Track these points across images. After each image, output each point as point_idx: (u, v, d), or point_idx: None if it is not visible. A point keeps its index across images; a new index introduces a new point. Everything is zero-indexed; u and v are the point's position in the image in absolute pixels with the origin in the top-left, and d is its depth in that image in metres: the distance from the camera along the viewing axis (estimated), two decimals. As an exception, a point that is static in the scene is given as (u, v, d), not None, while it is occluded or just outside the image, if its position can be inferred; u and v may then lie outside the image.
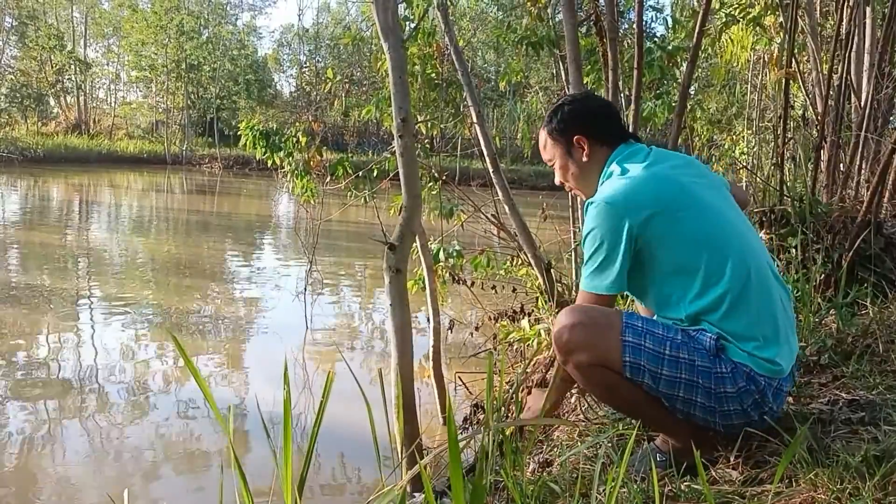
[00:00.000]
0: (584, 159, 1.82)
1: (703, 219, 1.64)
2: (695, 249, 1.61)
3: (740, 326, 1.58)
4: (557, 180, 1.92)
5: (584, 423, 2.13)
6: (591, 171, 1.81)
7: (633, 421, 1.92)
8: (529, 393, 2.67)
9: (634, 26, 3.55)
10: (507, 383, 3.00)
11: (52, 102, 34.31)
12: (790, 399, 2.01)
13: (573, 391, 2.17)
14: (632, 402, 1.67)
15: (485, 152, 4.06)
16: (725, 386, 1.57)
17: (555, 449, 2.07)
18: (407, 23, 4.59)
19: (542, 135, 1.89)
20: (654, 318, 1.72)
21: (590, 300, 1.68)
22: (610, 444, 1.73)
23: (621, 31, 4.83)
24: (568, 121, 1.83)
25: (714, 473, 1.66)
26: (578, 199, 3.88)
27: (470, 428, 3.10)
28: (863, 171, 3.81)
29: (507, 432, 1.70)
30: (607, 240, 1.62)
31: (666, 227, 1.61)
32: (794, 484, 1.52)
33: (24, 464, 2.95)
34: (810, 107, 5.02)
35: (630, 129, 3.45)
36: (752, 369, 1.57)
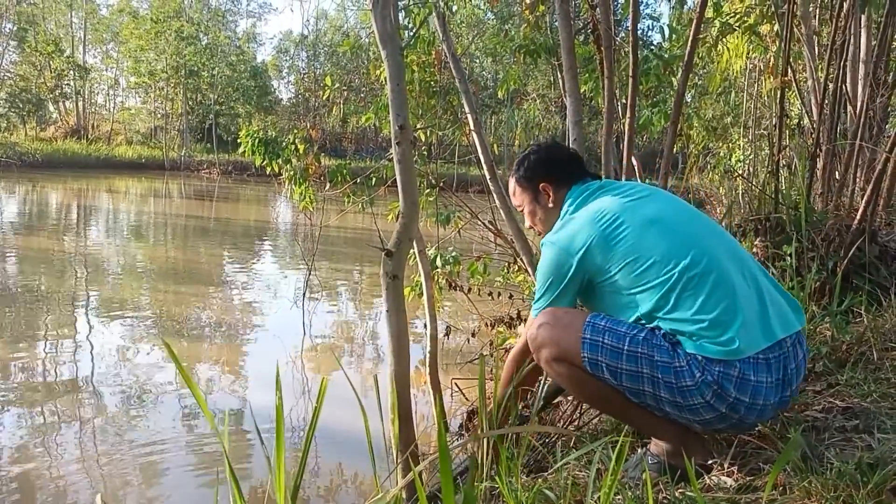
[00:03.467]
0: (550, 205, 1.99)
1: (642, 230, 1.74)
2: (640, 261, 1.70)
3: (689, 313, 1.63)
4: (527, 224, 2.10)
5: (578, 430, 2.13)
6: (555, 214, 1.96)
7: (627, 428, 1.93)
8: (523, 399, 2.67)
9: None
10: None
11: (50, 108, 34.34)
12: (784, 406, 2.02)
13: (568, 399, 2.18)
14: (602, 399, 1.76)
15: (482, 159, 4.08)
16: (685, 379, 1.61)
17: (549, 456, 2.07)
18: (406, 31, 4.61)
19: (512, 182, 2.07)
20: None
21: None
22: (604, 451, 1.74)
23: (619, 39, 4.86)
24: (534, 168, 2.02)
25: (708, 480, 1.66)
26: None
27: (465, 434, 3.11)
28: (857, 180, 3.83)
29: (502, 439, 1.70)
30: (553, 276, 1.81)
31: (605, 252, 1.74)
32: (788, 491, 1.52)
33: (20, 468, 2.94)
34: (806, 115, 5.04)
35: (626, 138, 3.48)
36: (705, 357, 1.60)
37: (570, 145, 3.41)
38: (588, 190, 1.91)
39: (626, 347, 1.65)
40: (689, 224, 1.78)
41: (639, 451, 1.81)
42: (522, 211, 2.07)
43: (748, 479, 1.63)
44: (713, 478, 1.66)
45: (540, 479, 1.79)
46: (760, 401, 1.61)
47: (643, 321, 1.70)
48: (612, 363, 1.65)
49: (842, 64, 3.71)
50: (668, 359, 1.62)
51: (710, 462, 1.71)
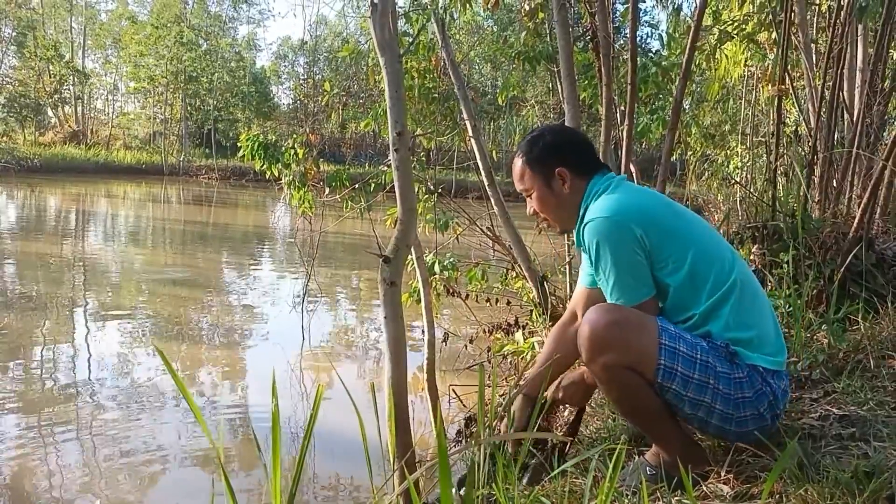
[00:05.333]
0: (566, 191, 1.81)
1: (694, 226, 1.71)
2: (701, 255, 1.65)
3: (746, 318, 1.62)
4: (530, 210, 1.90)
5: (575, 438, 2.13)
6: (570, 203, 1.80)
7: (624, 436, 1.93)
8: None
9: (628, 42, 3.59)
10: (500, 396, 3.00)
11: (49, 112, 34.31)
12: (781, 414, 2.02)
13: (565, 406, 2.17)
14: (645, 409, 1.66)
15: (480, 165, 4.09)
16: (744, 390, 1.59)
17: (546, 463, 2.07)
18: (406, 37, 4.63)
19: (519, 164, 1.87)
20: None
21: None
22: (601, 459, 1.74)
23: (618, 46, 4.88)
24: (549, 151, 1.82)
25: (705, 488, 1.66)
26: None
27: (463, 441, 3.10)
28: (854, 187, 3.84)
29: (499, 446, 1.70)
30: (619, 251, 1.63)
31: (664, 233, 1.65)
32: (784, 499, 1.52)
33: (18, 472, 2.93)
34: (803, 123, 5.06)
35: (624, 144, 3.49)
36: (764, 368, 1.60)
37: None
38: (614, 181, 1.77)
39: (699, 356, 1.58)
40: (716, 234, 1.79)
41: (636, 458, 1.81)
42: (529, 196, 1.87)
43: (745, 486, 1.63)
44: (710, 485, 1.66)
45: (537, 487, 1.79)
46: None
47: (695, 321, 1.64)
48: (685, 372, 1.57)
49: (839, 72, 3.72)
50: (728, 370, 1.59)
51: (706, 470, 1.71)
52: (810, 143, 3.84)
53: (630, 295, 1.65)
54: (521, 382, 2.00)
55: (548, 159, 1.82)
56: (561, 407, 2.15)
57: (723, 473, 1.69)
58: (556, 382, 1.90)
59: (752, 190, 4.70)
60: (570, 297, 4.17)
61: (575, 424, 2.00)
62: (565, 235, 4.51)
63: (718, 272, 1.64)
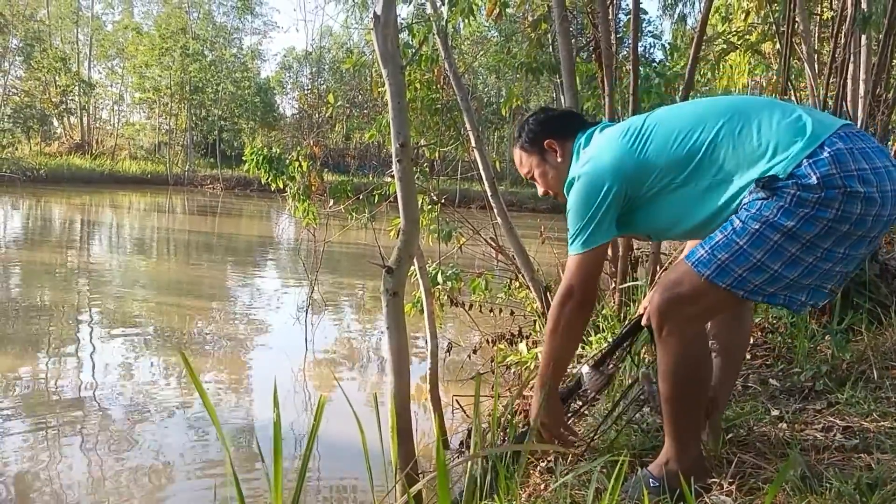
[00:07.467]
0: (559, 160, 1.92)
1: (667, 114, 1.74)
2: (682, 134, 1.63)
3: (755, 143, 1.54)
4: (541, 191, 2.01)
5: (577, 449, 2.13)
6: (568, 168, 1.88)
7: (627, 447, 1.93)
8: (525, 415, 2.66)
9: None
10: (503, 406, 3.00)
11: (55, 123, 34.49)
12: (784, 426, 2.01)
13: (567, 415, 2.17)
14: (695, 392, 1.63)
15: (483, 175, 4.10)
16: (808, 199, 1.45)
17: (548, 474, 2.07)
18: (409, 48, 4.65)
19: (516, 152, 2.02)
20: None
21: (579, 260, 1.73)
22: (603, 471, 1.73)
23: (621, 57, 4.90)
24: (536, 130, 1.97)
25: (707, 500, 1.66)
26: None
27: (466, 451, 3.10)
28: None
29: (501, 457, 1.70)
30: (590, 204, 1.69)
31: (643, 152, 1.66)
32: (786, 511, 1.52)
33: (23, 478, 2.94)
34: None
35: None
36: (807, 159, 1.47)
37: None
38: (595, 129, 1.87)
39: (742, 242, 1.50)
40: (692, 105, 1.78)
41: (638, 471, 1.80)
42: (532, 178, 2.00)
43: (747, 498, 1.62)
44: (712, 497, 1.66)
45: (538, 499, 1.79)
46: (880, 164, 1.48)
47: (721, 177, 1.57)
48: (747, 264, 1.50)
49: (842, 82, 3.73)
50: (777, 204, 1.47)
51: (709, 482, 1.71)
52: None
53: (584, 242, 1.71)
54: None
55: (536, 137, 1.96)
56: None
57: (725, 485, 1.68)
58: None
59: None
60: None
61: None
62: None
63: (706, 134, 1.60)
